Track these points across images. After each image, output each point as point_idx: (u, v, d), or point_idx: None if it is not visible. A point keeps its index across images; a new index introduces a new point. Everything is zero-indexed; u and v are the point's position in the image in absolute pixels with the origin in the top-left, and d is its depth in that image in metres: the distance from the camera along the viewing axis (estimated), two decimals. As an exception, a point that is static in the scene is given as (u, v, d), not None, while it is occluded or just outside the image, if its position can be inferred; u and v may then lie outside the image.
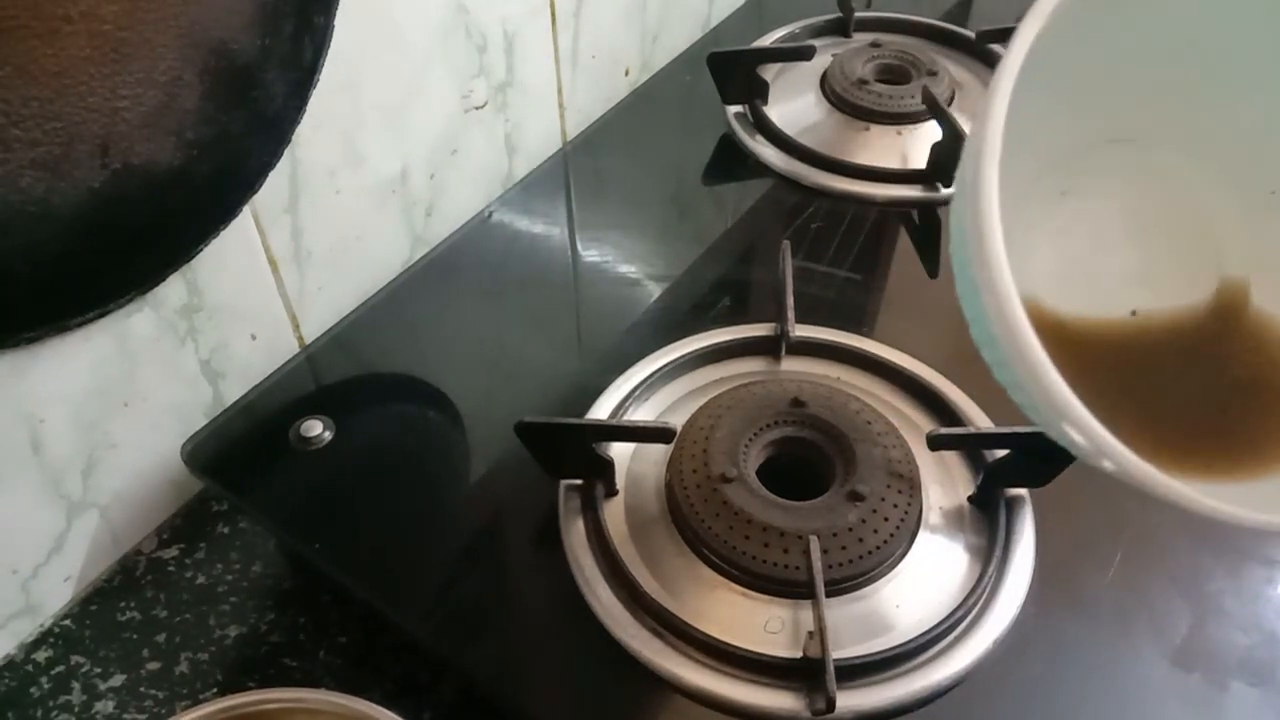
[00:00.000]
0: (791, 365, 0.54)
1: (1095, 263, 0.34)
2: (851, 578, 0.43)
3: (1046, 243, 0.34)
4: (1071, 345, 0.33)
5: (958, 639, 0.43)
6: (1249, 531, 0.47)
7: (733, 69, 0.72)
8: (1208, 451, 0.30)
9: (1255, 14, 0.30)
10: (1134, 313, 0.33)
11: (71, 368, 0.46)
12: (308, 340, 0.59)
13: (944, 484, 0.48)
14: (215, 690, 0.47)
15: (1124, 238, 0.35)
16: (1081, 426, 0.25)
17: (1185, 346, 0.33)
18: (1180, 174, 0.34)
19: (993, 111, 0.25)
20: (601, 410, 0.51)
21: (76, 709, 0.46)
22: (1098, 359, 0.33)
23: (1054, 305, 0.33)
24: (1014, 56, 0.25)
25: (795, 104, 0.73)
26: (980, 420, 0.50)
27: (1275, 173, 0.33)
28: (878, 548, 0.44)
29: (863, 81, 0.72)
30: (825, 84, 0.74)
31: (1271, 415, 0.31)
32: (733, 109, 0.73)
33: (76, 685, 0.47)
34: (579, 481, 0.48)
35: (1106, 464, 0.26)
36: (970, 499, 0.47)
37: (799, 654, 0.41)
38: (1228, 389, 0.32)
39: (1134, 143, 0.34)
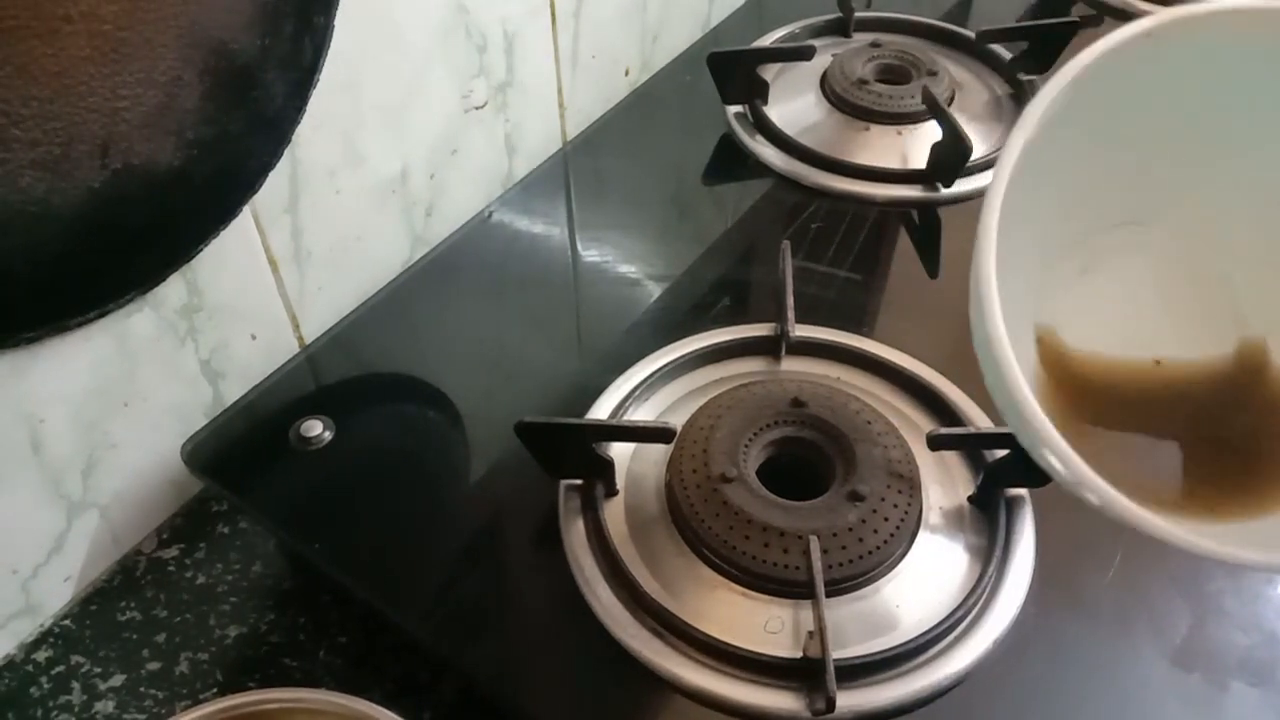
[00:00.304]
0: (791, 365, 0.54)
1: (1123, 319, 0.35)
2: (851, 578, 0.43)
3: (1074, 300, 0.34)
4: (1079, 380, 0.34)
5: (958, 639, 0.43)
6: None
7: (733, 69, 0.72)
8: (1209, 496, 0.31)
9: (1240, 85, 0.31)
10: (1159, 361, 0.34)
11: (71, 368, 0.46)
12: (308, 340, 0.59)
13: (944, 484, 0.48)
14: (215, 690, 0.47)
15: (1151, 298, 0.35)
16: (1059, 454, 0.26)
17: (1198, 397, 0.33)
18: (1201, 238, 0.34)
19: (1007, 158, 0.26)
20: (601, 410, 0.51)
21: (76, 709, 0.46)
22: (1108, 397, 0.33)
23: (1075, 342, 0.34)
24: (1010, 154, 0.27)
25: (795, 104, 0.73)
26: (980, 420, 0.50)
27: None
28: (878, 548, 0.44)
29: (863, 81, 0.72)
30: (825, 84, 0.74)
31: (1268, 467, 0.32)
32: (733, 109, 0.73)
33: (76, 685, 0.47)
34: (579, 481, 0.48)
35: (1090, 497, 0.27)
36: (970, 499, 0.47)
37: (799, 654, 0.41)
38: (1235, 440, 0.33)
39: (1155, 211, 0.34)
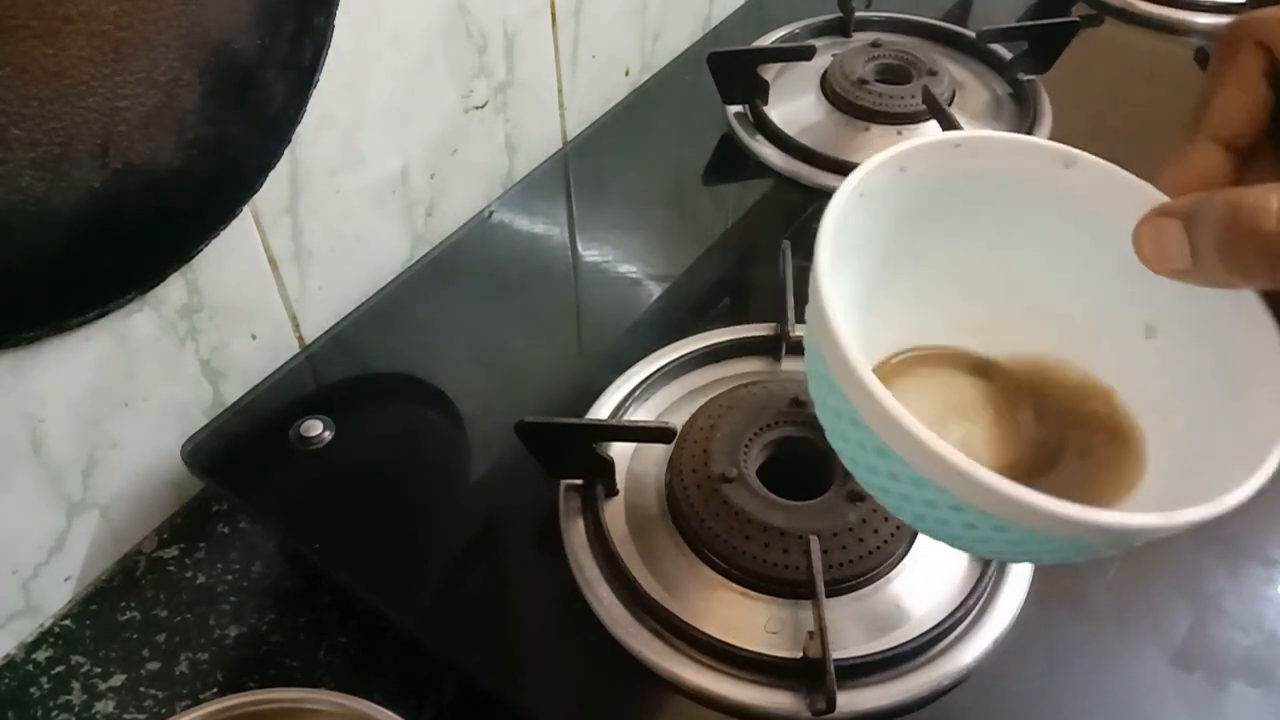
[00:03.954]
0: (791, 365, 0.54)
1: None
2: (851, 578, 0.43)
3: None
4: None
5: (958, 639, 0.43)
6: (1250, 531, 0.47)
7: (733, 69, 0.72)
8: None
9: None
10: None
11: (71, 368, 0.46)
12: (308, 340, 0.59)
13: (944, 484, 0.48)
14: (215, 690, 0.47)
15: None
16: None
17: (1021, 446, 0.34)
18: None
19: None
20: (601, 410, 0.51)
21: (76, 709, 0.46)
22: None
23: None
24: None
25: (795, 104, 0.73)
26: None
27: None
28: (878, 548, 0.44)
29: (863, 81, 0.72)
30: (825, 84, 0.74)
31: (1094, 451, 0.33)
32: (733, 109, 0.73)
33: (76, 685, 0.47)
34: (579, 481, 0.48)
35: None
36: (970, 499, 0.47)
37: (799, 654, 0.41)
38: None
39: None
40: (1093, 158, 0.31)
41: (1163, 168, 0.30)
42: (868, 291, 0.33)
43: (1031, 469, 0.33)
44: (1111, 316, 0.33)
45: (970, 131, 0.31)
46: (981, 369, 0.36)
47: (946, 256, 0.34)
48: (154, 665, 0.48)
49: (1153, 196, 0.29)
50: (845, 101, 0.72)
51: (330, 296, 0.59)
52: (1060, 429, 0.33)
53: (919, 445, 0.26)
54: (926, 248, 0.34)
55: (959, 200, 0.33)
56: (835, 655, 0.40)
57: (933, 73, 0.73)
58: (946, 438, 0.26)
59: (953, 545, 0.30)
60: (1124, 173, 0.31)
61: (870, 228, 0.31)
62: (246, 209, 0.50)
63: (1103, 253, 0.31)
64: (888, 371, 0.35)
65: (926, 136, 0.31)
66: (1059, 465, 0.33)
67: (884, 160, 0.30)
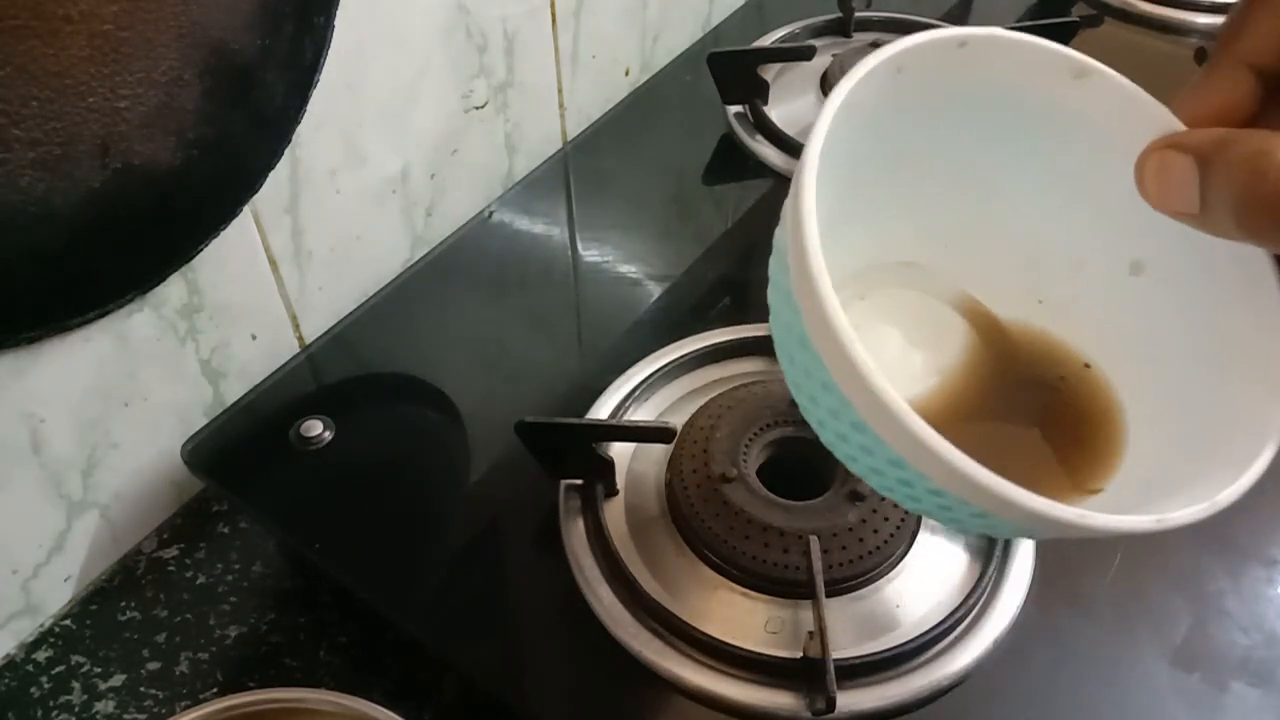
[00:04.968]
0: (791, 365, 0.54)
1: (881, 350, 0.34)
2: (851, 578, 0.43)
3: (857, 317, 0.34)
4: None
5: (958, 639, 0.43)
6: (1250, 530, 0.47)
7: (733, 69, 0.72)
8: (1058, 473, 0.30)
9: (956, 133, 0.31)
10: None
11: (71, 368, 0.46)
12: (308, 340, 0.59)
13: (944, 484, 0.48)
14: (215, 690, 0.47)
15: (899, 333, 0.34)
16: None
17: (987, 385, 0.32)
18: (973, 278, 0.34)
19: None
20: (601, 410, 0.51)
21: (76, 709, 0.46)
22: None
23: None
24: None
25: (795, 104, 0.73)
26: (980, 420, 0.50)
27: (1039, 283, 0.33)
28: (878, 548, 0.44)
29: (863, 81, 0.72)
30: (825, 84, 0.74)
31: (1083, 420, 0.31)
32: (733, 109, 0.73)
33: (76, 685, 0.47)
34: (579, 481, 0.48)
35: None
36: (970, 499, 0.47)
37: (799, 654, 0.41)
38: (1041, 405, 0.32)
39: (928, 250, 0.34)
40: (1107, 69, 0.28)
41: (1183, 90, 0.26)
42: (840, 201, 0.30)
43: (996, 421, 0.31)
44: (1097, 249, 0.31)
45: (975, 29, 0.28)
46: (974, 314, 0.33)
47: (931, 172, 0.32)
48: (154, 665, 0.48)
49: (1167, 122, 0.27)
50: (845, 101, 0.71)
51: (330, 296, 0.59)
52: (1036, 395, 0.32)
53: (856, 376, 0.23)
54: (912, 161, 0.31)
55: (953, 112, 0.30)
56: (835, 655, 0.40)
57: (933, 73, 0.73)
58: (907, 363, 0.24)
59: (891, 497, 0.28)
60: (1138, 89, 0.28)
61: (856, 138, 0.29)
62: (246, 209, 0.50)
63: (1099, 177, 0.29)
64: (864, 288, 0.33)
65: (927, 33, 0.27)
66: (1030, 426, 0.31)
67: (880, 62, 0.27)
